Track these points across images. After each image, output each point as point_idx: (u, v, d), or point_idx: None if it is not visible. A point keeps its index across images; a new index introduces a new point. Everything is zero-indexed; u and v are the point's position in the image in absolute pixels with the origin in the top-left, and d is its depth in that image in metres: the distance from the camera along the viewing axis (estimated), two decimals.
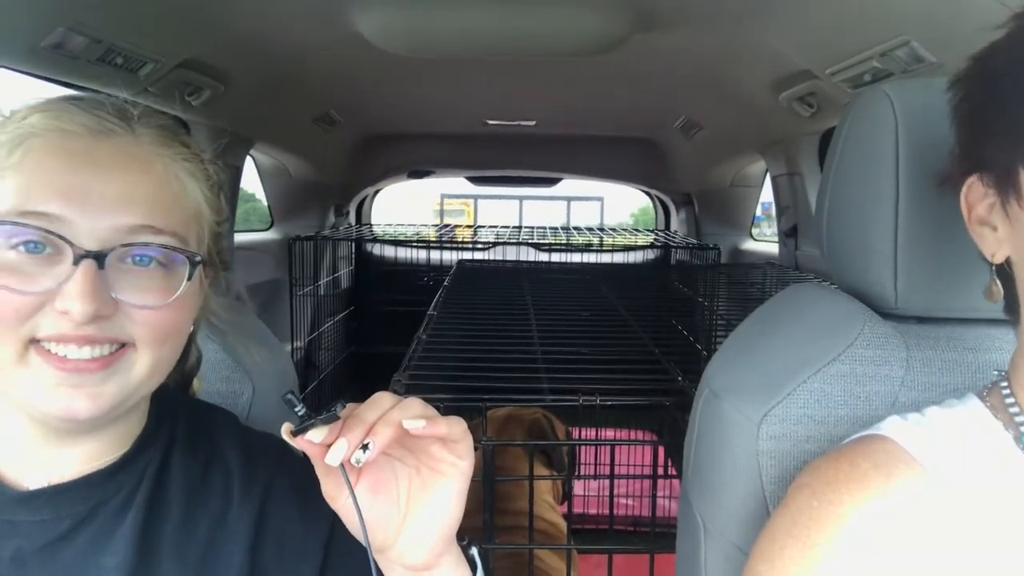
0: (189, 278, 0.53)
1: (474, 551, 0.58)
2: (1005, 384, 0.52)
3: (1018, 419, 0.50)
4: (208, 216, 0.58)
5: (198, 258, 0.54)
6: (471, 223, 4.25)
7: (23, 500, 0.53)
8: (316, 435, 0.47)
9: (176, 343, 0.55)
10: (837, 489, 0.49)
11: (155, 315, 0.51)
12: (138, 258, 0.51)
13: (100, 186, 0.50)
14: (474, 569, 0.57)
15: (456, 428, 0.50)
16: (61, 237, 0.48)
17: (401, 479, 0.52)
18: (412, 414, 0.48)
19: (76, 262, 0.48)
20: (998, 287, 0.53)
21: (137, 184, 0.51)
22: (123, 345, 0.51)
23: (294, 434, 0.48)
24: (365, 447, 0.47)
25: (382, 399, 0.50)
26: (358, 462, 0.47)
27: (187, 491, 0.58)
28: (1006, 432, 0.50)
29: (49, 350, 0.48)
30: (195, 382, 0.69)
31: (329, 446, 0.47)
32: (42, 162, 0.49)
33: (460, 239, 3.20)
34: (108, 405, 0.50)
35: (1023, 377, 0.51)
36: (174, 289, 0.52)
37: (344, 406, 0.49)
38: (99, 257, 0.48)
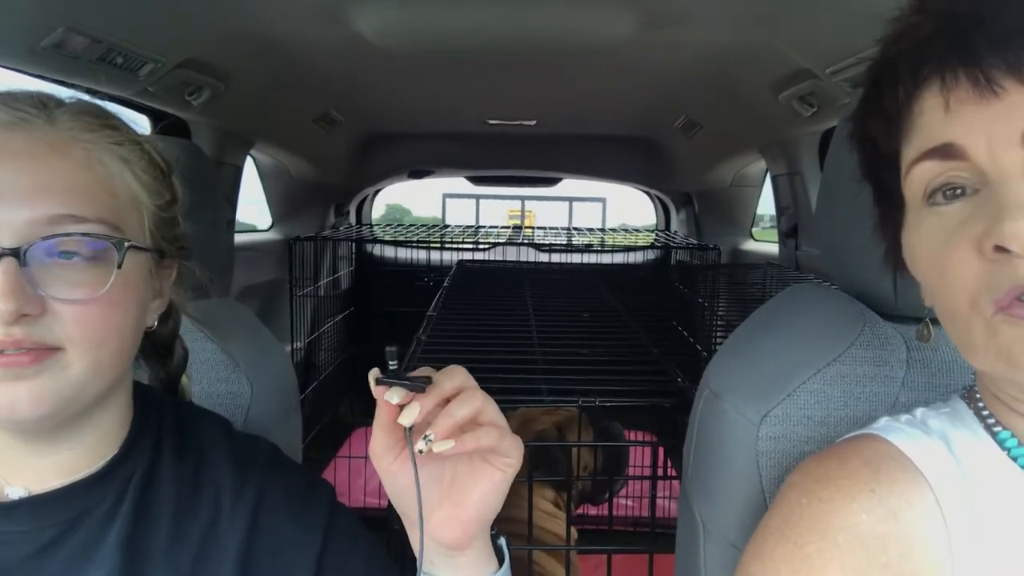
0: (119, 266, 0.50)
1: (502, 541, 0.58)
2: (977, 388, 0.53)
3: (989, 421, 0.50)
4: (147, 202, 0.55)
5: (128, 243, 0.51)
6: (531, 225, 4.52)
7: (3, 510, 0.51)
8: (394, 396, 0.50)
9: (117, 342, 0.51)
10: (827, 487, 0.49)
11: (86, 311, 0.48)
12: (65, 251, 0.48)
13: (13, 177, 0.47)
14: (501, 560, 0.57)
15: (488, 438, 0.50)
16: None
17: (448, 461, 0.53)
18: (464, 413, 0.50)
19: None
20: (929, 331, 0.58)
21: (54, 172, 0.49)
22: (56, 349, 0.48)
23: (378, 382, 0.50)
24: (426, 437, 0.49)
25: (456, 375, 0.51)
26: (420, 452, 0.50)
27: (176, 499, 0.56)
28: (986, 433, 0.50)
29: None
30: (184, 380, 0.67)
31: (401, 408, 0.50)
32: None
33: (528, 237, 3.31)
34: (50, 404, 0.48)
35: (984, 384, 0.52)
36: (105, 280, 0.49)
37: (430, 381, 0.50)
38: (18, 253, 0.46)
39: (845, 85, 1.41)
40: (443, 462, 0.53)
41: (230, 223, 2.08)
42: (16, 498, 0.52)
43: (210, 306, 0.79)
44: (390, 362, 0.51)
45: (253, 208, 2.83)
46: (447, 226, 3.72)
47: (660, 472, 1.26)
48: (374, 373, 0.51)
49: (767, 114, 1.86)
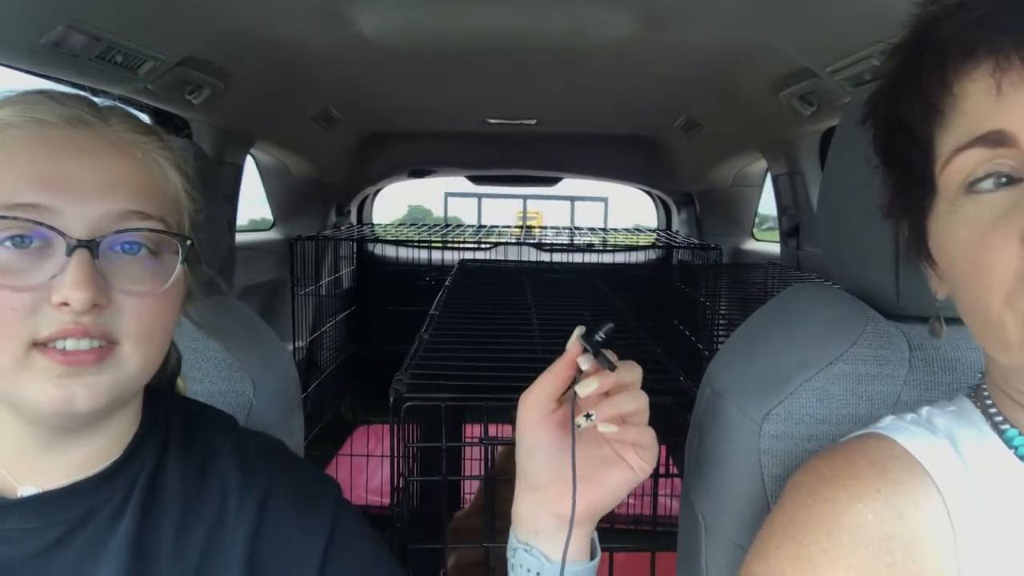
0: (183, 261, 0.53)
1: (595, 538, 0.60)
2: (985, 386, 0.52)
3: (997, 419, 0.50)
4: (188, 205, 0.58)
5: (189, 240, 0.54)
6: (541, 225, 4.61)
7: (12, 508, 0.52)
8: (585, 362, 0.54)
9: (163, 340, 0.54)
10: (833, 486, 0.49)
11: (144, 305, 0.50)
12: (127, 246, 0.50)
13: (84, 174, 0.49)
14: (593, 554, 0.59)
15: (647, 436, 0.55)
16: (52, 228, 0.47)
17: (589, 444, 0.56)
18: (629, 408, 0.53)
19: (70, 252, 0.47)
20: (941, 325, 0.56)
21: (120, 170, 0.51)
22: (112, 343, 0.50)
23: (580, 339, 0.54)
24: (589, 416, 0.53)
25: (634, 371, 0.54)
26: (579, 426, 0.54)
27: (183, 496, 0.56)
28: (993, 432, 0.50)
29: (53, 347, 0.47)
30: (179, 383, 0.68)
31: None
32: (22, 153, 0.49)
33: (537, 237, 3.36)
34: (105, 398, 0.49)
35: (995, 382, 0.51)
36: (166, 276, 0.52)
37: (615, 367, 0.53)
38: (92, 245, 0.48)
39: (845, 84, 1.40)
40: (587, 443, 0.56)
41: (231, 223, 2.08)
42: (25, 495, 0.52)
43: (212, 305, 0.79)
44: (601, 333, 0.53)
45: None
46: (448, 225, 3.72)
47: (662, 470, 1.26)
48: (580, 330, 0.55)
49: (767, 113, 1.86)
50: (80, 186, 0.49)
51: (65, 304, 0.47)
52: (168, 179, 0.55)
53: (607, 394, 0.54)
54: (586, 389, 0.53)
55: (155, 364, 0.54)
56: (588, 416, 0.53)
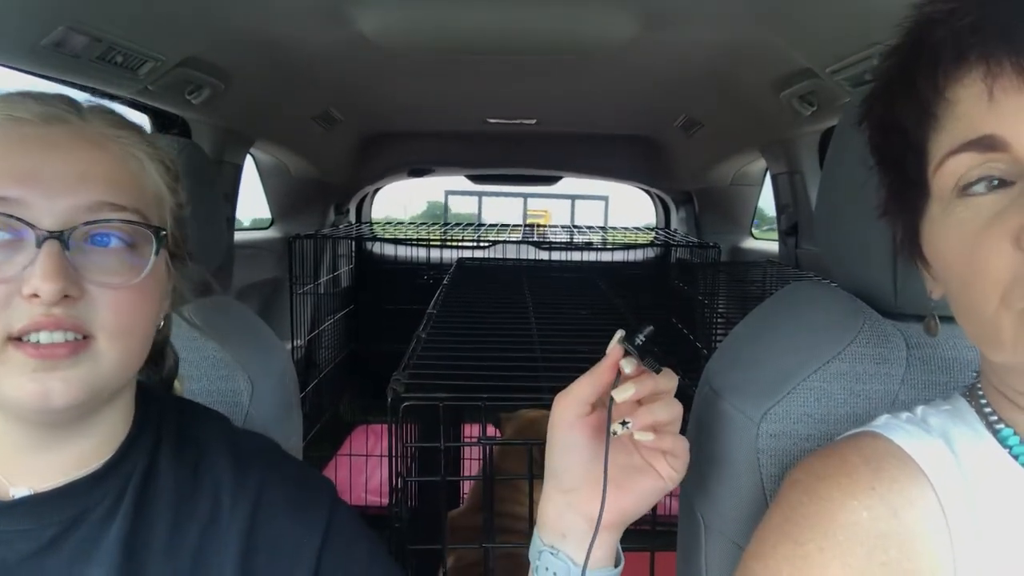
0: (156, 253, 0.52)
1: (619, 547, 0.60)
2: (980, 386, 0.53)
3: (992, 419, 0.50)
4: (169, 200, 0.57)
5: (163, 232, 0.53)
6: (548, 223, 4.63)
7: (5, 510, 0.52)
8: (627, 365, 0.54)
9: (143, 334, 0.53)
10: (828, 485, 0.49)
11: (119, 298, 0.50)
12: (100, 238, 0.50)
13: (56, 167, 0.49)
14: (617, 561, 0.59)
15: (681, 445, 0.55)
16: (21, 220, 0.47)
17: (620, 450, 0.56)
18: (664, 417, 0.53)
19: (39, 244, 0.47)
20: (936, 323, 0.57)
21: (93, 162, 0.51)
22: (87, 337, 0.49)
23: (620, 342, 0.54)
24: (624, 423, 0.53)
25: (671, 380, 0.55)
26: (614, 433, 0.53)
27: (176, 496, 0.56)
28: (987, 431, 0.50)
29: (26, 341, 0.47)
30: (176, 386, 0.68)
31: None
32: None
33: (541, 236, 3.38)
34: (82, 393, 0.49)
35: (990, 381, 0.51)
36: (140, 268, 0.51)
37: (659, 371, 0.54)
38: (61, 237, 0.48)
39: (845, 84, 1.40)
40: (619, 450, 0.56)
41: (230, 221, 2.08)
42: (17, 497, 0.52)
43: (210, 304, 0.79)
44: (641, 335, 0.53)
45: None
46: (447, 224, 3.72)
47: None
48: (620, 333, 0.55)
49: (767, 113, 1.86)
50: (51, 179, 0.49)
51: (35, 296, 0.46)
52: (146, 172, 0.55)
53: (640, 402, 0.54)
54: (623, 394, 0.53)
55: (135, 359, 0.53)
56: (624, 423, 0.53)
